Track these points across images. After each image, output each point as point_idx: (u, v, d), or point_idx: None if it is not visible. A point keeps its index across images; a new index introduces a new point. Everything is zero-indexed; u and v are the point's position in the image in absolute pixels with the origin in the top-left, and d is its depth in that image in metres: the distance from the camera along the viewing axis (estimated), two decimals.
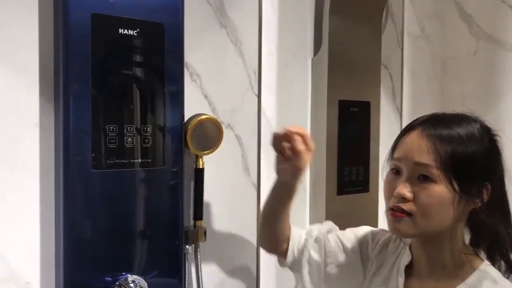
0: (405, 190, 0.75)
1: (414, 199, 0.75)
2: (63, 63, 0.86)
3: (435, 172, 0.73)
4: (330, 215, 1.31)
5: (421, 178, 0.75)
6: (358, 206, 1.38)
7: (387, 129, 1.46)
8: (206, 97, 1.08)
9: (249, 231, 1.16)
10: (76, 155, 0.87)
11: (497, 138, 0.79)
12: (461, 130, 0.76)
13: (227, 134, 1.10)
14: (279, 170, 0.88)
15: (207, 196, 1.06)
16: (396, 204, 0.76)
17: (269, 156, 1.22)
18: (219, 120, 1.07)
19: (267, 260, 1.18)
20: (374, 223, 1.41)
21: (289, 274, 0.97)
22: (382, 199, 1.42)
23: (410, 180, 0.76)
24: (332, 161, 1.31)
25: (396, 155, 0.79)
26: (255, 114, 1.16)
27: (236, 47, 1.12)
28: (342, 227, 1.35)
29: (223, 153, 1.09)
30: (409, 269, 0.83)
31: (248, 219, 1.16)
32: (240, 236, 1.14)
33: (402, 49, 1.58)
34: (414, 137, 0.77)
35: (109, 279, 0.90)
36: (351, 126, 1.36)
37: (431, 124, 0.77)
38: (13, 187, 0.86)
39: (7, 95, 0.85)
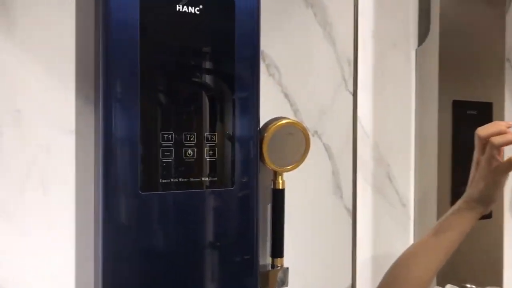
0: None
1: None
2: (104, 53, 0.66)
3: None
4: None
5: None
6: (478, 235, 1.08)
7: None
8: (286, 95, 0.83)
9: (343, 269, 0.90)
10: (120, 171, 0.66)
11: None
12: None
13: (313, 144, 0.85)
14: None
15: (288, 225, 0.82)
16: None
17: (366, 173, 0.96)
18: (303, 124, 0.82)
19: None
20: (499, 255, 1.11)
21: None
22: (509, 225, 1.13)
23: None
24: (445, 175, 1.03)
25: None
26: (349, 117, 0.90)
27: (326, 32, 0.87)
28: (458, 260, 1.07)
29: (308, 169, 0.84)
30: None
31: (341, 254, 0.90)
32: (331, 277, 0.89)
33: None
34: None
35: None
36: (468, 133, 1.07)
37: None
38: (43, 208, 0.66)
39: (36, 95, 0.66)
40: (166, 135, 0.68)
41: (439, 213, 1.03)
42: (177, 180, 0.69)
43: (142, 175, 0.67)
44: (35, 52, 0.65)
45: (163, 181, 0.68)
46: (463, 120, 1.06)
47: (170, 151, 0.68)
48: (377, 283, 0.91)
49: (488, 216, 1.09)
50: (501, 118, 1.12)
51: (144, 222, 0.67)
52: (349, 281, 0.91)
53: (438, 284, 1.02)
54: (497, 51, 1.13)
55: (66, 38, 0.67)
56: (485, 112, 1.10)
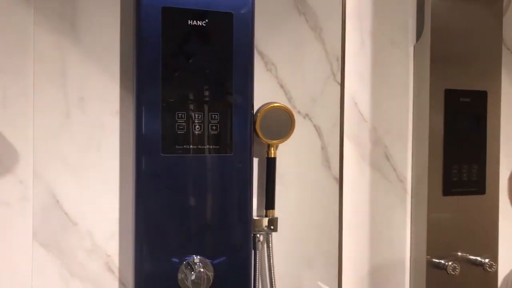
0: None
1: None
2: (137, 54, 0.93)
3: None
4: (434, 218, 1.19)
5: None
6: (471, 209, 1.22)
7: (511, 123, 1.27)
8: (282, 86, 1.06)
9: (330, 224, 1.10)
10: (147, 140, 0.93)
11: None
12: None
13: (305, 125, 1.07)
14: None
15: (283, 188, 1.05)
16: None
17: (364, 153, 1.14)
18: (295, 109, 1.05)
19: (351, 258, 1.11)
20: (493, 230, 1.23)
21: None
22: (504, 202, 1.24)
23: None
24: (436, 158, 1.18)
25: None
26: (337, 103, 1.10)
27: (316, 34, 1.08)
28: (450, 231, 1.21)
29: (300, 144, 1.06)
30: None
31: (328, 212, 1.11)
32: (319, 230, 1.10)
33: None
34: None
35: (177, 260, 0.95)
36: (460, 119, 1.21)
37: None
38: (97, 167, 0.95)
39: (94, 87, 0.95)
40: (180, 114, 0.94)
41: (431, 190, 1.18)
42: (188, 147, 0.95)
43: (162, 143, 0.93)
44: (91, 59, 0.95)
45: (178, 147, 0.94)
46: (456, 107, 1.20)
47: (183, 125, 0.95)
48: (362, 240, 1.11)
49: (481, 191, 1.23)
50: (497, 106, 1.24)
51: (165, 176, 0.94)
52: (336, 231, 1.11)
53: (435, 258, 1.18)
54: (495, 40, 1.24)
55: (114, 43, 0.96)
56: (479, 100, 1.23)
